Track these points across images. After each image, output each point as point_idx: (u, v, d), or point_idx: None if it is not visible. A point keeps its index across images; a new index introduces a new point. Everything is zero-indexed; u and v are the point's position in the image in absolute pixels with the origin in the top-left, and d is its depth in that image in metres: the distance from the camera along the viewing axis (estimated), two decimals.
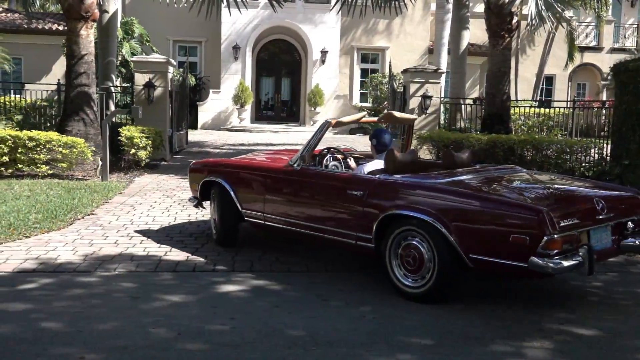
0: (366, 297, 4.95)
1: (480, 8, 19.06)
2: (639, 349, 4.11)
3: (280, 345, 3.98)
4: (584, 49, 30.21)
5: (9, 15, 26.78)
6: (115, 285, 5.17)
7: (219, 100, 25.85)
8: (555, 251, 4.24)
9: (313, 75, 26.19)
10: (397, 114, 6.34)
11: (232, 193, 6.26)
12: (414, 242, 4.80)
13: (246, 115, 25.84)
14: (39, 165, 10.63)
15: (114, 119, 13.49)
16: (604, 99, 28.12)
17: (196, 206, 7.11)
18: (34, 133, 10.79)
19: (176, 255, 6.13)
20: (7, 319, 4.35)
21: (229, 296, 4.99)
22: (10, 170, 10.61)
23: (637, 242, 4.90)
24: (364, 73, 27.94)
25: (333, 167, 6.14)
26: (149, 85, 13.76)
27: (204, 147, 17.67)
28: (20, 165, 10.62)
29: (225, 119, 25.90)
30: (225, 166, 6.61)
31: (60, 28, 24.29)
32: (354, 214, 5.20)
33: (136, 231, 7.11)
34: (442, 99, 15.78)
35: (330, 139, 18.80)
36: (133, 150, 11.97)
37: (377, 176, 5.25)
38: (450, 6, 19.70)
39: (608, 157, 10.96)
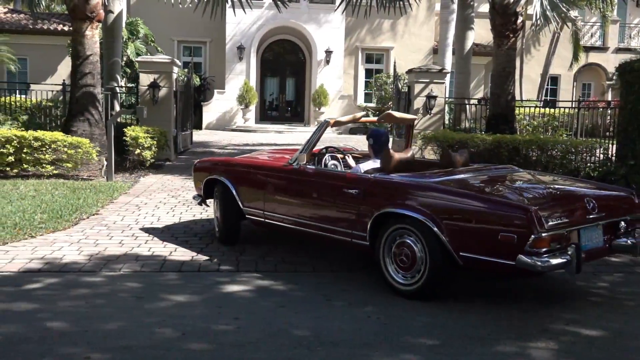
0: (371, 298, 4.95)
1: (484, 8, 19.03)
2: None
3: (285, 345, 3.98)
4: (589, 49, 30.14)
5: (14, 15, 26.86)
6: (120, 285, 5.18)
7: (223, 101, 25.88)
8: (544, 249, 4.30)
9: (317, 76, 26.20)
10: (397, 113, 6.40)
11: (233, 191, 6.38)
12: (407, 240, 4.89)
13: (251, 115, 25.86)
14: (44, 165, 10.66)
15: (119, 119, 13.52)
16: (609, 99, 28.06)
17: (200, 204, 7.24)
18: (39, 133, 10.82)
19: (181, 255, 6.14)
20: (12, 318, 4.36)
21: (233, 296, 4.99)
22: (15, 171, 10.65)
23: (629, 241, 4.93)
24: (369, 73, 27.93)
25: (332, 166, 6.23)
26: (154, 86, 13.78)
27: (209, 147, 17.69)
28: (25, 166, 10.65)
29: (230, 119, 25.93)
30: (227, 165, 6.73)
31: (66, 28, 24.36)
32: (349, 212, 5.29)
33: (141, 231, 7.13)
34: (446, 99, 15.76)
35: (335, 139, 18.81)
36: (138, 151, 12.00)
37: (372, 175, 5.34)
38: (454, 6, 19.68)
39: (613, 158, 10.92)
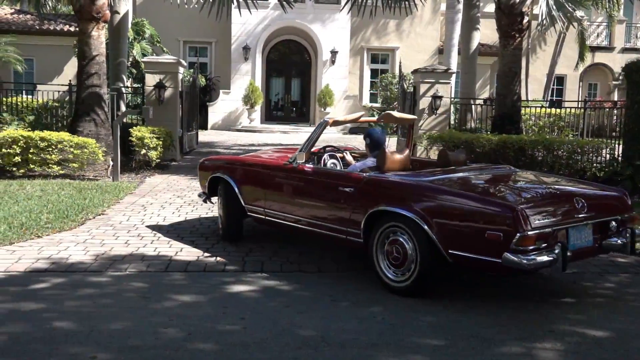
0: (376, 298, 4.96)
1: (490, 8, 19.01)
2: None
3: (291, 346, 3.98)
4: (595, 49, 30.02)
5: (21, 16, 26.94)
6: (126, 285, 5.20)
7: (229, 101, 25.90)
8: (530, 248, 4.36)
9: (323, 76, 26.19)
10: (396, 114, 6.51)
11: (236, 189, 6.52)
12: (399, 238, 4.98)
13: (256, 115, 25.87)
14: (50, 165, 10.70)
15: (124, 120, 13.55)
16: (616, 99, 27.95)
17: (205, 201, 7.39)
18: (45, 133, 10.86)
19: (187, 255, 6.15)
20: (19, 318, 4.38)
21: (239, 296, 5.00)
22: (22, 171, 10.69)
23: (619, 241, 4.97)
24: (374, 73, 27.90)
25: (331, 165, 6.36)
26: (160, 86, 13.80)
27: (214, 147, 17.71)
28: (32, 166, 10.69)
29: (235, 119, 25.95)
30: (230, 163, 6.90)
31: (72, 29, 24.41)
32: (344, 210, 5.42)
33: (147, 231, 7.15)
34: (452, 99, 15.73)
35: (340, 139, 18.81)
36: (144, 151, 12.02)
37: (366, 174, 5.46)
38: (460, 6, 19.65)
39: (620, 158, 10.89)
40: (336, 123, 6.13)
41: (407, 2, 14.56)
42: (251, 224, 6.96)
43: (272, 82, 28.33)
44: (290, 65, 28.30)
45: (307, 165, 5.92)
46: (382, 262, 5.12)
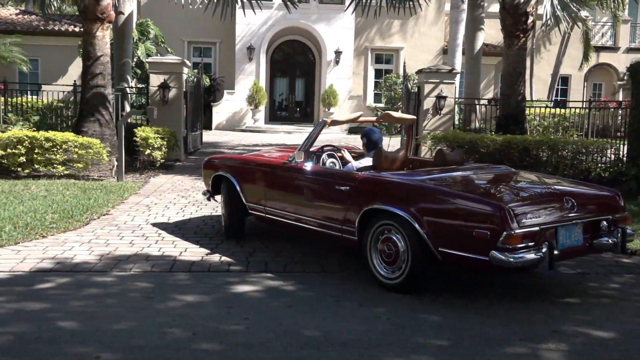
0: (380, 298, 4.95)
1: (495, 8, 18.95)
2: None
3: (295, 346, 3.98)
4: (599, 49, 29.96)
5: (26, 17, 27.02)
6: (131, 285, 5.20)
7: (233, 101, 25.93)
8: (517, 246, 4.40)
9: (327, 76, 26.19)
10: (395, 114, 6.58)
11: (237, 187, 6.62)
12: (391, 236, 5.05)
13: (260, 115, 25.89)
14: (55, 165, 10.73)
15: (129, 120, 13.57)
16: (620, 99, 27.89)
17: (209, 199, 7.48)
18: (50, 134, 10.89)
19: (191, 255, 6.16)
20: (24, 318, 4.39)
21: (243, 296, 5.00)
22: (27, 171, 10.72)
23: (610, 240, 4.98)
24: (378, 73, 27.89)
25: (330, 164, 6.46)
26: (164, 86, 13.82)
27: (218, 147, 17.73)
28: (37, 166, 10.72)
29: (240, 119, 25.98)
30: (232, 161, 7.02)
31: (77, 29, 24.47)
32: (340, 208, 5.50)
33: (151, 231, 7.16)
34: (456, 99, 15.71)
35: (343, 139, 18.81)
36: (148, 151, 12.05)
37: (361, 173, 5.55)
38: (464, 6, 19.61)
39: (625, 158, 10.86)
40: (335, 123, 6.21)
41: (411, 2, 14.56)
42: (256, 223, 6.98)
43: (276, 82, 28.34)
44: (295, 66, 28.31)
45: (305, 164, 5.98)
46: (375, 259, 5.20)
